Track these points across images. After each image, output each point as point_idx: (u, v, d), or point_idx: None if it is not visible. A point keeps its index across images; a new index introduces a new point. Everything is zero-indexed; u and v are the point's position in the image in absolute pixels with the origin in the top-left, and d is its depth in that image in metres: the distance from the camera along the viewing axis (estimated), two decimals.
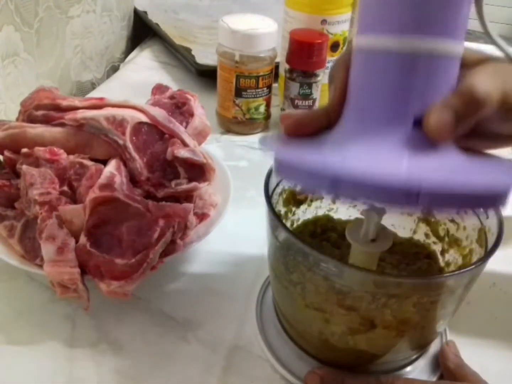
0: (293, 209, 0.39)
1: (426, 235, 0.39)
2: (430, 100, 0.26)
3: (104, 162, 0.42)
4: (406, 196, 0.23)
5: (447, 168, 0.25)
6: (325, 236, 0.41)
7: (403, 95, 0.26)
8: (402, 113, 0.26)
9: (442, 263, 0.38)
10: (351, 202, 0.37)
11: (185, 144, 0.42)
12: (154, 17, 0.88)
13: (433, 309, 0.30)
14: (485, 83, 0.25)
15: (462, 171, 0.25)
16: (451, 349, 0.35)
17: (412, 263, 0.39)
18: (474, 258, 0.33)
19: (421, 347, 0.35)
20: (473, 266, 0.28)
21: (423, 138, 0.25)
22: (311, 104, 0.62)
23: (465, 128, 0.26)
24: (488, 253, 0.29)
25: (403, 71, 0.26)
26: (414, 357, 0.35)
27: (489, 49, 0.29)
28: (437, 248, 0.38)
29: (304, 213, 0.41)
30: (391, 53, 0.25)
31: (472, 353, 0.35)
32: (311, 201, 0.40)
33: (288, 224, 0.39)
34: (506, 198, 0.24)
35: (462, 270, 0.28)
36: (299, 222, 0.41)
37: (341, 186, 0.24)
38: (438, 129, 0.25)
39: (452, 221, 0.36)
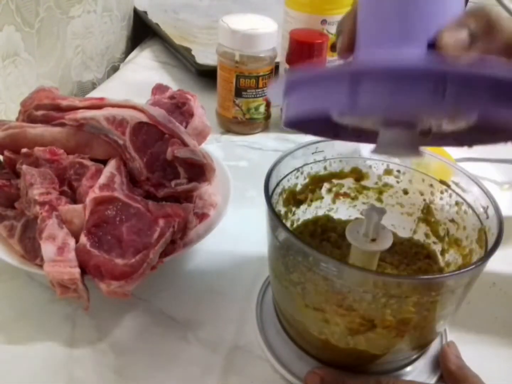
0: (293, 209, 0.39)
1: (426, 235, 0.39)
2: (443, 22, 0.24)
3: (104, 162, 0.42)
4: (434, 84, 0.20)
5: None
6: (325, 236, 0.41)
7: (415, 16, 0.24)
8: (415, 36, 0.24)
9: (442, 263, 0.38)
10: (366, 116, 0.27)
11: (185, 144, 0.42)
12: (154, 17, 0.88)
13: (433, 309, 0.30)
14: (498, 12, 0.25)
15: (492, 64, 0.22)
16: (452, 350, 0.35)
17: (412, 263, 0.39)
18: (474, 258, 0.33)
19: (421, 347, 0.35)
20: (473, 266, 0.28)
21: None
22: None
23: (479, 50, 0.24)
24: (488, 253, 0.29)
25: None
26: (414, 357, 0.35)
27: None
28: (437, 248, 0.38)
29: (304, 213, 0.41)
30: None
31: (472, 353, 0.35)
32: (311, 201, 0.40)
33: (288, 224, 0.39)
34: None
35: (462, 270, 0.28)
36: (299, 222, 0.41)
37: (362, 81, 0.21)
38: (453, 47, 0.23)
39: (452, 221, 0.36)
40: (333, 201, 0.41)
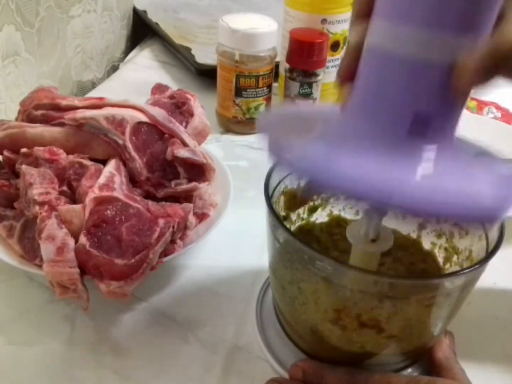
0: (298, 211, 0.39)
1: (427, 236, 0.39)
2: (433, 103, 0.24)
3: (104, 162, 0.42)
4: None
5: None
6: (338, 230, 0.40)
7: (408, 98, 0.24)
8: (403, 116, 0.25)
9: (442, 264, 0.38)
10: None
11: (185, 144, 0.42)
12: (154, 16, 0.87)
13: (432, 311, 0.30)
14: None
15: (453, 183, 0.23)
16: (447, 340, 0.35)
17: (412, 264, 0.39)
18: (475, 259, 0.33)
19: (417, 350, 0.34)
20: (472, 268, 0.28)
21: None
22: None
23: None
24: (488, 256, 0.29)
25: (411, 76, 0.24)
26: (413, 359, 0.35)
27: None
28: (437, 249, 0.38)
29: (311, 215, 0.40)
30: (402, 56, 0.24)
31: (472, 354, 0.35)
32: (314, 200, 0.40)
33: (294, 225, 0.39)
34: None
35: (461, 272, 0.28)
36: (304, 222, 0.40)
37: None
38: (458, 76, 0.22)
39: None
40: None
